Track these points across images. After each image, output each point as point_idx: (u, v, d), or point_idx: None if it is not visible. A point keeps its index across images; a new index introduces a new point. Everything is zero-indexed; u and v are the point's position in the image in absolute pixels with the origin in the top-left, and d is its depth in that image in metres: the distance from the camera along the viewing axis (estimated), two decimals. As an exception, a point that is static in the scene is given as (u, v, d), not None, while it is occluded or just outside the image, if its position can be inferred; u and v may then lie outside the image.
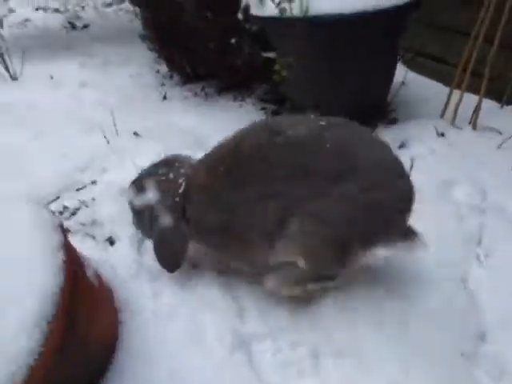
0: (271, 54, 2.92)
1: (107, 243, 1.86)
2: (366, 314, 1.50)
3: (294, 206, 1.41)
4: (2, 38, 3.84)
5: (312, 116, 1.60)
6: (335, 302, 1.53)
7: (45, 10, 5.50)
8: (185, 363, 1.42)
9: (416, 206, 1.45)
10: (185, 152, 1.86)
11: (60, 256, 1.20)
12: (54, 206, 2.15)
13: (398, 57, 2.91)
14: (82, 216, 2.06)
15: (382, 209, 1.39)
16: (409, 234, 1.45)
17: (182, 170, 1.68)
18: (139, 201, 1.67)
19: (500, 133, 2.51)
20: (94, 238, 1.89)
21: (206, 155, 1.65)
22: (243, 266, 1.64)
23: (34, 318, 1.08)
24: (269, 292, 1.55)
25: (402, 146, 2.50)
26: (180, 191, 1.62)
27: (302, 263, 1.45)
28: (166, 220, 1.61)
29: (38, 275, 1.15)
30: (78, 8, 5.61)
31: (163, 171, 1.69)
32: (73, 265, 1.23)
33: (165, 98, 3.32)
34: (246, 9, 2.84)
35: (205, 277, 1.71)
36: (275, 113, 3.14)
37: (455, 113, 2.64)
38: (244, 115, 3.04)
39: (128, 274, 1.69)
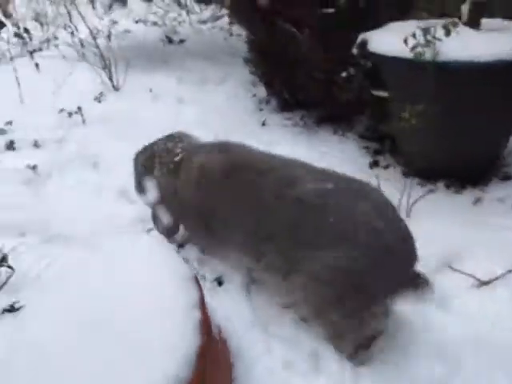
0: (383, 93, 2.80)
1: (215, 283, 1.79)
2: None
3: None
4: (110, 49, 3.92)
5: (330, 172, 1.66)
6: None
7: (144, 22, 5.63)
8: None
9: None
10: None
11: (197, 314, 1.12)
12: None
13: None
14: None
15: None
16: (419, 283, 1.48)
17: (181, 144, 1.91)
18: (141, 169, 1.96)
19: None
20: (204, 277, 1.82)
21: (213, 145, 1.85)
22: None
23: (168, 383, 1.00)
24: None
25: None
26: (176, 159, 1.83)
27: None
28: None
29: (175, 334, 1.07)
30: (174, 23, 5.70)
31: (163, 142, 1.96)
32: (207, 324, 1.15)
33: (263, 124, 3.25)
34: (363, 44, 2.74)
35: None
36: (377, 152, 3.01)
37: None
38: (345, 152, 2.94)
39: (239, 322, 1.60)
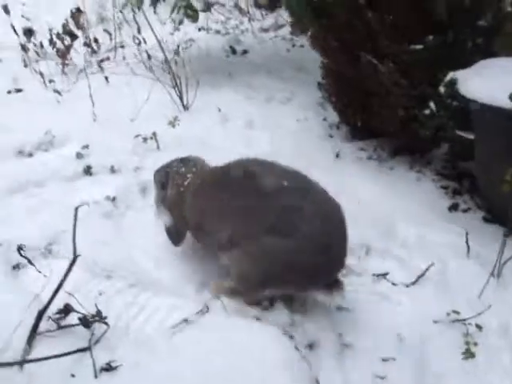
0: (469, 135, 2.70)
1: (308, 348, 1.76)
2: None
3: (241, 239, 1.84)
4: (178, 63, 3.91)
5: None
6: None
7: (207, 30, 5.61)
8: None
9: None
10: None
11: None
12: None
13: None
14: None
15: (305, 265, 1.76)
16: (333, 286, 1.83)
17: (194, 169, 2.18)
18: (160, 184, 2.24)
19: None
20: (291, 337, 1.79)
21: (215, 168, 2.18)
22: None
23: None
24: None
25: None
26: (185, 183, 2.13)
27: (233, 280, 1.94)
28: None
29: None
30: (237, 31, 5.66)
31: (178, 166, 2.20)
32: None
33: (337, 155, 3.19)
34: (452, 84, 2.64)
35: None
36: (456, 192, 2.92)
37: None
38: (423, 193, 2.86)
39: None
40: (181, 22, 4.02)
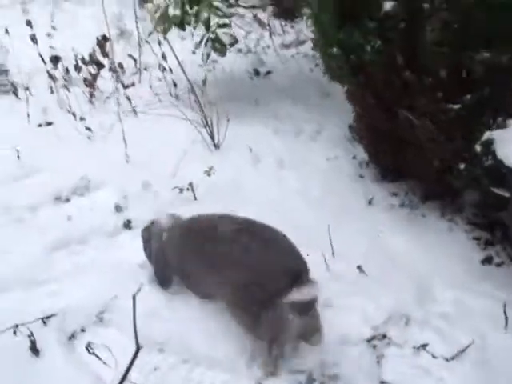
0: (505, 193, 2.74)
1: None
2: None
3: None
4: (203, 92, 3.93)
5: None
6: None
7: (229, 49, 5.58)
8: None
9: None
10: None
11: None
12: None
13: None
14: None
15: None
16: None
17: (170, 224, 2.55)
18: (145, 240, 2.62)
19: None
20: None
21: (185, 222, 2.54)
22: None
23: None
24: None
25: None
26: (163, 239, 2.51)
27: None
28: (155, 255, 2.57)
29: None
30: (258, 48, 5.64)
31: (159, 222, 2.58)
32: None
33: (370, 202, 3.23)
34: (488, 144, 2.67)
35: None
36: (488, 243, 2.96)
37: None
38: (454, 245, 2.91)
39: None
40: (208, 56, 4.04)
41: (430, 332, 2.34)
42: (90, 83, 4.39)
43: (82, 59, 4.69)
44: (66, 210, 3.19)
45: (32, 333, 2.19)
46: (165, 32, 4.15)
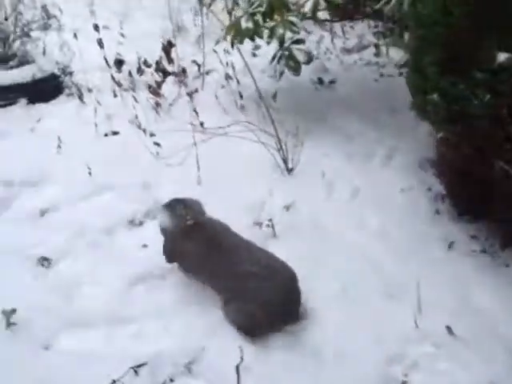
0: None
1: None
2: None
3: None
4: (272, 106, 3.83)
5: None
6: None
7: (292, 53, 5.42)
8: None
9: None
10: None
11: None
12: None
13: None
14: None
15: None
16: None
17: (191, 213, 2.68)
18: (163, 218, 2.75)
19: None
20: None
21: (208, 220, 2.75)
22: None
23: None
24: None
25: None
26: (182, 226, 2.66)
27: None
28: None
29: None
30: (319, 51, 5.47)
31: (181, 207, 2.71)
32: None
33: (449, 246, 3.14)
34: None
35: None
36: None
37: None
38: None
39: None
40: (282, 74, 3.92)
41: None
42: (155, 91, 4.30)
43: (145, 62, 4.62)
44: (140, 235, 3.15)
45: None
46: (232, 44, 4.03)
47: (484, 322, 2.66)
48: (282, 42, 3.87)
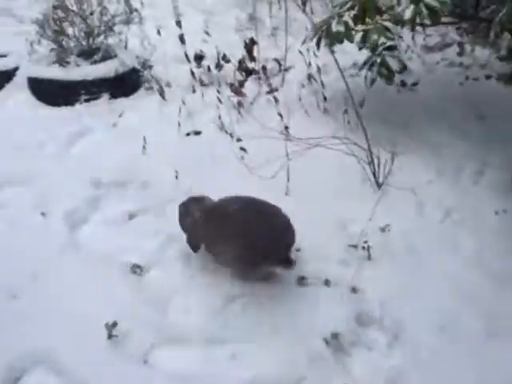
0: None
1: None
2: None
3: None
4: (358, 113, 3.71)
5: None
6: None
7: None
8: None
9: None
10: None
11: None
12: None
13: None
14: None
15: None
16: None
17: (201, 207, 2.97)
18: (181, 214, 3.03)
19: None
20: None
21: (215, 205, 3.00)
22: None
23: None
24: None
25: None
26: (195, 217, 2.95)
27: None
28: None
29: None
30: (401, 50, 5.24)
31: (196, 202, 3.01)
32: None
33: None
34: None
35: None
36: None
37: None
38: None
39: None
40: (373, 82, 3.77)
41: None
42: (237, 90, 4.23)
43: (224, 57, 4.54)
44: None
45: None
46: (318, 45, 3.88)
47: None
48: (374, 48, 3.72)
